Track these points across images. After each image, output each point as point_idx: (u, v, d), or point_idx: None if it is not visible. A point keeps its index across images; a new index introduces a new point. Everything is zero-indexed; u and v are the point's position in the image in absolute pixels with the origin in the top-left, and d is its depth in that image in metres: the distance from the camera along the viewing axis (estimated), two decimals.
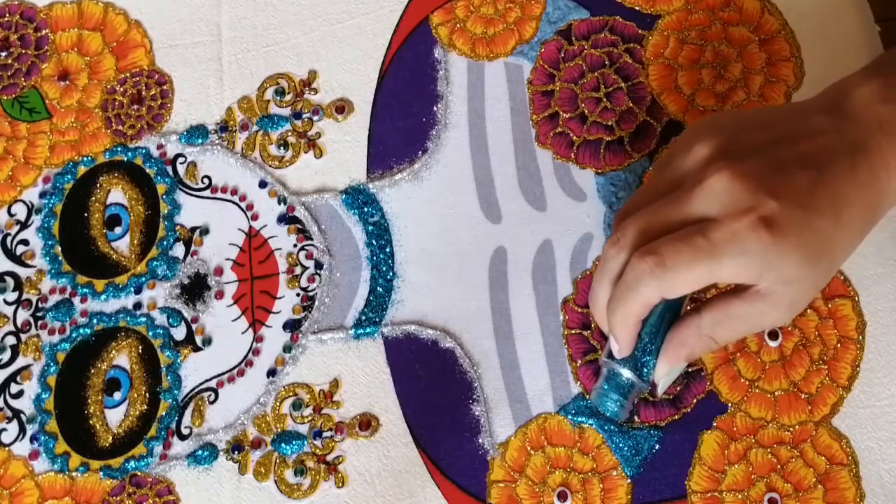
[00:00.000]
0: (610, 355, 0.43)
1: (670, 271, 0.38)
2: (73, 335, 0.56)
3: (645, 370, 0.43)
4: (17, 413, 0.55)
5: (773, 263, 0.38)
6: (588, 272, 0.52)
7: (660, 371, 0.42)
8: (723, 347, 0.48)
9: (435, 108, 0.56)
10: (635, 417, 0.48)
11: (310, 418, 0.52)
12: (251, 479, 0.52)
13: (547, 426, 0.49)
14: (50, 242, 0.58)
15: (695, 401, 0.48)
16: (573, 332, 0.51)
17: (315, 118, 0.58)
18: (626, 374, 0.43)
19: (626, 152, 0.53)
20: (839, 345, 0.48)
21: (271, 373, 0.53)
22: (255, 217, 0.56)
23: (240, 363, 0.54)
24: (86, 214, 0.58)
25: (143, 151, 0.59)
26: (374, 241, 0.55)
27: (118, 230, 0.58)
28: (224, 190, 0.57)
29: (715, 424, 0.48)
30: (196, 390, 0.54)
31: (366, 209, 0.55)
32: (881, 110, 0.40)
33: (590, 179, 0.53)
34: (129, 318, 0.56)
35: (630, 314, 0.41)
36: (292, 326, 0.54)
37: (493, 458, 0.50)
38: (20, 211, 0.59)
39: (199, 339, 0.55)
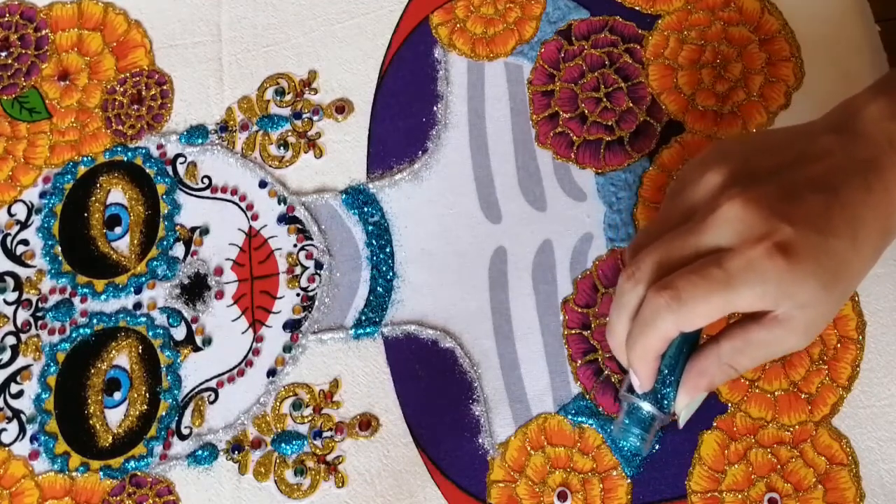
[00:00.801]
0: (630, 389, 0.43)
1: (686, 305, 0.38)
2: (73, 335, 0.56)
3: (665, 402, 0.42)
4: (17, 413, 0.55)
5: (789, 290, 0.37)
6: (588, 272, 0.52)
7: (680, 402, 0.42)
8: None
9: (435, 108, 0.56)
10: None
11: (310, 418, 0.52)
12: (251, 479, 0.51)
13: (547, 426, 0.49)
14: (50, 242, 0.58)
15: None
16: (573, 332, 0.51)
17: (315, 118, 0.58)
18: (647, 407, 0.42)
19: (626, 152, 0.53)
20: (839, 345, 0.48)
21: (271, 373, 0.53)
22: (255, 217, 0.56)
23: (240, 363, 0.54)
24: (86, 214, 0.58)
25: (143, 151, 0.59)
26: (374, 241, 0.55)
27: (118, 230, 0.58)
28: (224, 190, 0.57)
29: (715, 424, 0.48)
30: (196, 390, 0.54)
31: (366, 209, 0.55)
32: (891, 128, 0.39)
33: (590, 179, 0.53)
34: (129, 318, 0.56)
35: (649, 349, 0.40)
36: (292, 326, 0.54)
37: (493, 458, 0.50)
38: (20, 211, 0.59)
39: (199, 339, 0.55)
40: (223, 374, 0.54)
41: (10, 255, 0.58)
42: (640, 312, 0.40)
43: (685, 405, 0.42)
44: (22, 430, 0.55)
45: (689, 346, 0.42)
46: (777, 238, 0.37)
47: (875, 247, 0.39)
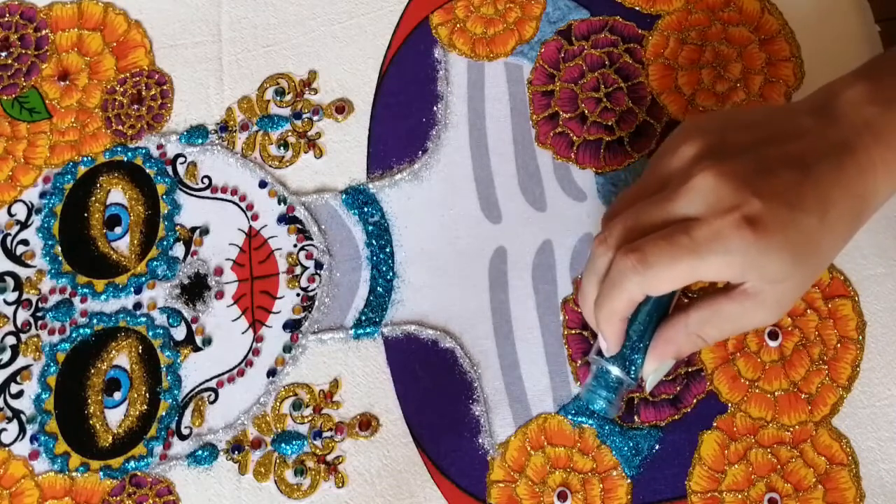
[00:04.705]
0: (599, 353, 0.44)
1: (652, 268, 0.38)
2: (73, 335, 0.56)
3: (633, 368, 0.43)
4: (17, 413, 0.55)
5: (756, 262, 0.38)
6: None
7: (647, 368, 0.43)
8: (722, 346, 0.48)
9: (435, 108, 0.56)
10: (635, 417, 0.49)
11: (310, 418, 0.52)
12: (251, 479, 0.52)
13: (547, 426, 0.49)
14: (50, 242, 0.58)
15: (695, 401, 0.48)
16: (573, 332, 0.51)
17: (315, 118, 0.58)
18: (615, 371, 0.43)
19: (626, 152, 0.53)
20: (839, 345, 0.48)
21: (271, 373, 0.53)
22: (255, 217, 0.56)
23: (240, 363, 0.54)
24: (86, 214, 0.58)
25: (143, 151, 0.59)
26: (374, 241, 0.55)
27: (118, 230, 0.58)
28: (224, 190, 0.57)
29: (715, 424, 0.48)
30: (196, 390, 0.54)
31: (366, 209, 0.55)
32: (869, 112, 0.40)
33: (590, 179, 0.53)
34: (129, 318, 0.56)
35: (615, 311, 0.41)
36: (292, 326, 0.54)
37: (493, 458, 0.50)
38: (20, 211, 0.59)
39: (199, 339, 0.55)
40: (223, 374, 0.54)
41: (10, 255, 0.58)
42: (608, 275, 0.41)
43: (652, 371, 0.43)
44: (22, 430, 0.55)
45: (659, 314, 0.43)
46: (746, 211, 0.38)
47: (846, 226, 0.40)
